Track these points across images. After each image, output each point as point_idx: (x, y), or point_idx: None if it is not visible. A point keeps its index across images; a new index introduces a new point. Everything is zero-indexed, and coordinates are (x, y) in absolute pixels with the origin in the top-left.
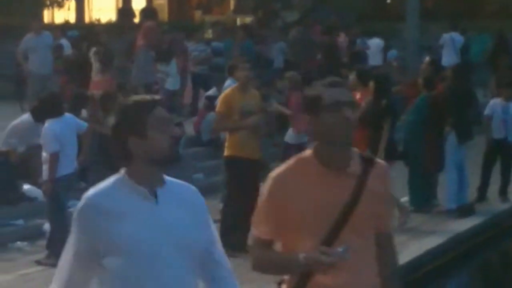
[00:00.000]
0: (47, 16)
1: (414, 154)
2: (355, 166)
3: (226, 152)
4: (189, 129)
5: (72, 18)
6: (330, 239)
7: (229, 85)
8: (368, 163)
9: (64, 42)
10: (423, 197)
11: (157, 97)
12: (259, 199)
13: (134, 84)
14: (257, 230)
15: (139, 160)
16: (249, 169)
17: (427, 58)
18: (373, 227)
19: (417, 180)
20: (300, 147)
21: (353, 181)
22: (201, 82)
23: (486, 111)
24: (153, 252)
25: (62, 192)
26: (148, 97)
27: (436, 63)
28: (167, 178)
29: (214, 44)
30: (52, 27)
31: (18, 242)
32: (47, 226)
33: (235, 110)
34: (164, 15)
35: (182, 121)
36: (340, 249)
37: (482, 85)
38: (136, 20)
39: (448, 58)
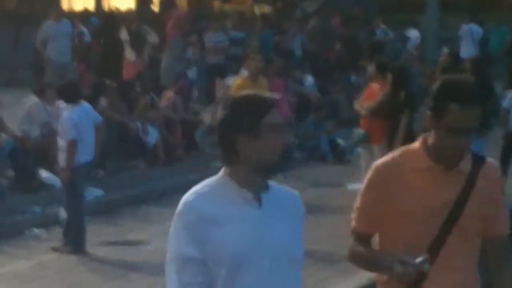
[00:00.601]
0: (66, 4)
1: None
2: (465, 164)
3: None
4: (206, 118)
5: (91, 6)
6: (437, 242)
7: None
8: (478, 161)
9: (84, 30)
10: None
11: (275, 96)
12: (359, 190)
13: (164, 73)
14: (355, 222)
15: (244, 162)
16: None
17: (445, 50)
18: (480, 230)
19: None
20: None
21: (462, 180)
22: (217, 71)
23: (504, 104)
24: (257, 262)
25: (79, 180)
26: (266, 95)
27: (454, 55)
28: (270, 182)
29: (233, 34)
30: (71, 15)
31: (35, 229)
32: (64, 214)
33: None
34: (183, 4)
35: (199, 110)
36: (419, 259)
37: (501, 77)
38: (155, 8)
39: (467, 50)
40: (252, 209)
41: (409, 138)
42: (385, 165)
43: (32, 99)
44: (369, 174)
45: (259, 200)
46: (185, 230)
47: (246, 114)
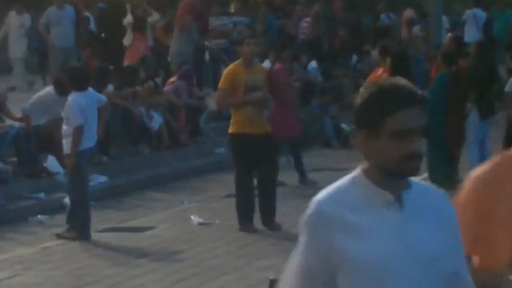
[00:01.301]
0: None
1: (435, 130)
2: None
3: (231, 129)
4: (210, 103)
5: None
6: None
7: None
8: None
9: (89, 15)
10: (443, 173)
11: (419, 92)
12: (454, 204)
13: (176, 57)
14: None
15: (372, 160)
16: (257, 145)
17: (449, 34)
18: None
19: (437, 156)
20: None
21: None
22: (219, 55)
23: (507, 88)
24: (397, 273)
25: (83, 166)
26: (411, 89)
27: (458, 40)
28: (412, 180)
29: (236, 18)
30: (75, 0)
31: (39, 216)
32: (67, 200)
33: (239, 86)
34: None
35: (204, 95)
36: None
37: (505, 62)
38: None
39: (471, 35)
40: (393, 212)
41: None
42: (481, 177)
43: (48, 89)
44: (467, 186)
45: (400, 202)
46: (311, 234)
47: (372, 106)
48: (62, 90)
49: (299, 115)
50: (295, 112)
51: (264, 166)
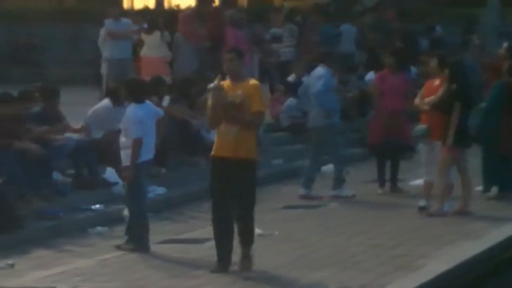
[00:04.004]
0: (126, 2)
1: (490, 139)
2: None
3: None
4: (267, 114)
5: (151, 4)
6: None
7: (319, 72)
8: None
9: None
10: (497, 182)
11: None
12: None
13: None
14: None
15: None
16: (229, 171)
17: (505, 44)
18: None
19: (491, 165)
20: None
21: None
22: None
23: None
24: None
25: (142, 178)
26: None
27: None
28: None
29: (273, 30)
30: (131, 13)
31: (98, 227)
32: (126, 212)
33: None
34: (243, 0)
35: None
36: None
37: None
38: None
39: None
40: None
41: (463, 134)
42: None
43: (104, 102)
44: None
45: None
46: None
47: None
48: (118, 100)
49: (398, 121)
50: (395, 118)
51: (239, 198)
